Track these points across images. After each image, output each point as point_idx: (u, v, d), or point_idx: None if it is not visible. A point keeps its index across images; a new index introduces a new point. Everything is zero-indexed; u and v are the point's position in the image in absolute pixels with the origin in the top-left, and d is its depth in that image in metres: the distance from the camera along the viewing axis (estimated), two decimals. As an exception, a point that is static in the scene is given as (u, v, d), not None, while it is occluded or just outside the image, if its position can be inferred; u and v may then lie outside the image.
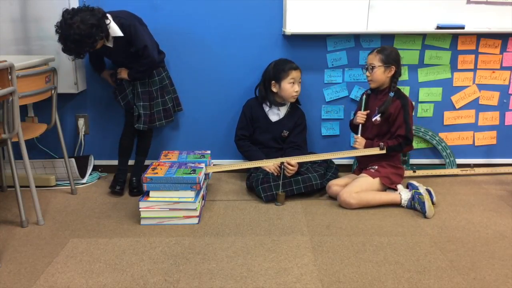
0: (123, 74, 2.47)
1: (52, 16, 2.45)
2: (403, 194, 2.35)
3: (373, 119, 2.47)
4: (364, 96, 2.54)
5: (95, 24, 2.16)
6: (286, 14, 2.62)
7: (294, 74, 2.57)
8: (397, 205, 2.36)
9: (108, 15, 2.27)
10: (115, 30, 2.28)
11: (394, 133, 2.45)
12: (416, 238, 2.03)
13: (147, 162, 2.64)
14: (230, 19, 2.67)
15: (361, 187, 2.38)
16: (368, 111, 2.51)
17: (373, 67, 2.41)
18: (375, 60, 2.41)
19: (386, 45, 2.62)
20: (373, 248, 1.94)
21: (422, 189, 2.32)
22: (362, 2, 2.61)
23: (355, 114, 2.63)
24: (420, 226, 2.15)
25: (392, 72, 2.42)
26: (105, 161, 2.85)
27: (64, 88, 2.58)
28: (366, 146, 2.48)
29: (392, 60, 2.40)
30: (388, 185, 2.43)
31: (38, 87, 2.22)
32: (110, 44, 2.34)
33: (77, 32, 2.12)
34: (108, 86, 2.67)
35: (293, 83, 2.57)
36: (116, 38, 2.32)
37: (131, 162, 2.66)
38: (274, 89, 2.62)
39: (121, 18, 2.30)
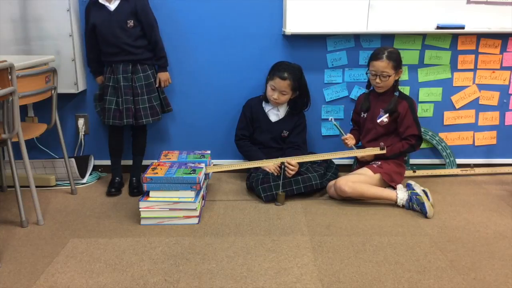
0: (163, 77, 2.58)
1: (52, 16, 2.47)
2: (400, 193, 2.35)
3: (379, 121, 2.49)
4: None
5: None
6: (286, 14, 2.62)
7: (277, 82, 2.54)
8: (394, 204, 2.36)
9: None
10: None
11: (403, 133, 2.47)
12: (416, 238, 2.03)
13: (147, 162, 2.63)
14: (230, 19, 2.67)
15: (359, 179, 2.40)
16: (348, 135, 2.59)
17: (388, 76, 2.41)
18: (388, 68, 2.40)
19: (387, 46, 2.61)
20: (373, 248, 1.94)
21: (418, 190, 2.32)
22: (362, 2, 2.61)
23: (352, 118, 2.70)
24: (420, 226, 2.15)
25: (400, 74, 2.47)
26: (105, 161, 2.84)
27: (64, 88, 2.58)
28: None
29: (400, 63, 2.45)
30: (388, 182, 2.44)
31: (38, 87, 2.22)
32: (112, 6, 2.34)
33: None
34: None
35: (273, 89, 2.57)
36: (120, 4, 2.34)
37: (129, 162, 2.66)
38: (266, 84, 2.64)
39: None
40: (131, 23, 2.39)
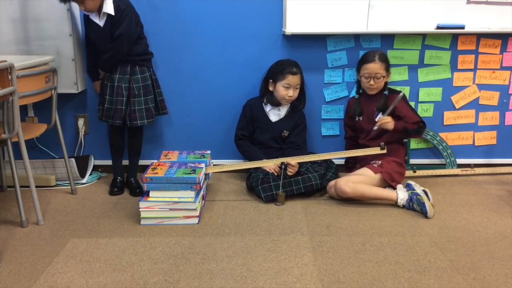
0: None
1: (52, 16, 2.47)
2: (400, 194, 2.35)
3: (377, 119, 2.52)
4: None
5: None
6: (286, 14, 2.62)
7: (291, 79, 2.55)
8: (394, 204, 2.36)
9: None
10: (108, 6, 2.29)
11: (407, 122, 2.52)
12: (416, 238, 2.03)
13: (147, 162, 2.63)
14: (230, 19, 2.67)
15: (360, 179, 2.41)
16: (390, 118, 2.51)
17: (381, 77, 2.49)
18: (381, 69, 2.49)
19: (375, 50, 2.63)
20: (373, 248, 1.94)
21: (419, 190, 2.32)
22: (362, 2, 2.61)
23: (346, 123, 2.74)
24: (420, 226, 2.15)
25: (389, 76, 2.56)
26: (105, 161, 2.84)
27: (64, 88, 2.58)
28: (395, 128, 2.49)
29: (389, 65, 2.54)
30: (389, 182, 2.44)
31: (38, 87, 2.22)
32: (101, 23, 2.34)
33: None
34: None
35: (288, 87, 2.57)
36: (107, 19, 2.32)
37: (126, 162, 2.66)
38: (271, 88, 2.63)
39: (120, 1, 2.32)
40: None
